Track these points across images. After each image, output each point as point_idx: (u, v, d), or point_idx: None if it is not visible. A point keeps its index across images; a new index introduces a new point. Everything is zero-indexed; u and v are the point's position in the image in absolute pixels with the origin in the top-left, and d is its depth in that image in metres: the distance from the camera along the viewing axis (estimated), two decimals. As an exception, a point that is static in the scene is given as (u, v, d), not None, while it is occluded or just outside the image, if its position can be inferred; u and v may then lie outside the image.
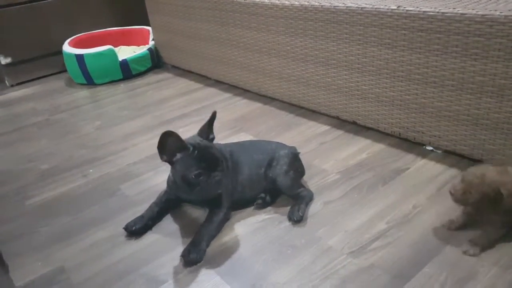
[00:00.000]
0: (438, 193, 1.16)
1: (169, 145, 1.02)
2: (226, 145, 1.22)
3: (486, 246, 0.96)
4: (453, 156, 1.31)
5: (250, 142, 1.28)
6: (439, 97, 1.24)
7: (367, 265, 0.95)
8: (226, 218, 1.13)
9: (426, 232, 1.03)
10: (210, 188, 1.03)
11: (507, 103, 1.11)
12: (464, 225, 1.02)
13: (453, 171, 1.25)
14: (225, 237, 1.09)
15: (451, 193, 0.95)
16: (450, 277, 0.90)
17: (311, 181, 1.27)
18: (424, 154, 1.35)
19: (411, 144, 1.40)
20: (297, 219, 1.10)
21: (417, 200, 1.14)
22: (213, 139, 1.11)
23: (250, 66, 1.90)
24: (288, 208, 1.15)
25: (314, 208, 1.16)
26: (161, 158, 1.04)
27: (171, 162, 1.05)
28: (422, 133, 1.34)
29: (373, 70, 1.39)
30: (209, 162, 1.03)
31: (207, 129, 1.10)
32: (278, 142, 1.28)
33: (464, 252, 0.96)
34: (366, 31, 1.36)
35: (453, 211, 1.07)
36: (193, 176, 1.01)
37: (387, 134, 1.47)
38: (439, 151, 1.34)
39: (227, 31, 1.93)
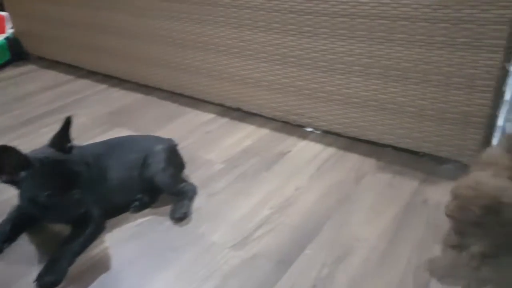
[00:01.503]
0: (317, 172, 1.18)
1: (6, 162, 0.84)
2: (90, 147, 1.08)
3: None
4: (330, 136, 1.35)
5: (119, 140, 1.15)
6: (314, 79, 1.26)
7: (250, 256, 0.92)
8: (98, 231, 1.00)
9: (307, 213, 1.03)
10: (67, 210, 0.89)
11: (372, 81, 1.16)
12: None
13: (331, 150, 1.28)
14: (95, 250, 0.96)
15: (447, 215, 0.80)
16: (329, 256, 0.90)
17: (195, 174, 1.20)
18: (304, 136, 1.37)
19: (293, 127, 1.41)
20: (179, 217, 1.02)
21: (299, 182, 1.15)
22: (71, 148, 0.94)
23: (126, 53, 1.74)
24: (170, 206, 1.06)
25: (198, 202, 1.10)
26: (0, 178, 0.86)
27: (13, 182, 0.87)
28: (302, 115, 1.35)
29: (251, 54, 1.36)
30: (63, 179, 0.87)
31: (61, 138, 0.92)
32: (152, 136, 1.18)
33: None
34: (240, 14, 1.31)
35: (332, 188, 1.10)
36: (44, 198, 0.85)
37: (270, 119, 1.46)
38: (318, 132, 1.38)
39: (98, 16, 1.74)
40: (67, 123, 0.93)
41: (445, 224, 0.96)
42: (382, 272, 0.86)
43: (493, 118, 1.03)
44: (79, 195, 0.88)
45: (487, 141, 1.06)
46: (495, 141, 1.01)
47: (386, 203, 1.04)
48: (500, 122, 1.00)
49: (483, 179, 0.77)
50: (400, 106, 1.14)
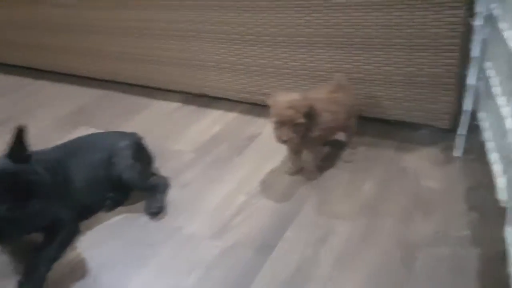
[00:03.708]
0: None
1: None
2: (50, 151, 1.03)
3: (317, 163, 1.06)
4: (300, 112, 1.32)
5: (81, 140, 1.10)
6: (275, 56, 1.22)
7: (230, 245, 0.90)
8: (72, 235, 0.96)
9: (284, 195, 1.01)
10: (30, 222, 0.85)
11: (336, 52, 1.12)
12: (300, 168, 1.08)
13: (302, 127, 1.26)
14: (71, 254, 0.92)
15: (284, 141, 0.94)
16: (311, 236, 0.89)
17: (165, 166, 1.17)
18: (274, 115, 1.33)
19: (261, 108, 1.37)
20: (155, 212, 1.00)
21: (273, 164, 1.12)
22: (28, 156, 0.89)
23: (79, 49, 1.65)
24: (144, 202, 1.03)
25: (172, 194, 1.06)
26: None
27: None
28: (268, 94, 1.30)
29: (209, 36, 1.30)
30: (20, 191, 0.83)
31: (16, 149, 0.87)
32: (115, 132, 1.13)
33: (309, 179, 1.04)
34: (194, -6, 1.26)
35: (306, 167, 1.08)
36: (3, 213, 0.81)
37: (237, 102, 1.42)
38: (288, 110, 1.35)
39: (37, 12, 1.65)
40: (20, 132, 0.87)
41: (426, 191, 0.96)
42: (367, 247, 0.85)
43: (462, 77, 1.02)
44: (40, 204, 0.84)
45: (459, 102, 1.06)
46: (468, 100, 1.00)
47: (364, 176, 1.03)
48: (471, 81, 0.98)
49: (290, 99, 0.92)
50: (366, 74, 1.12)
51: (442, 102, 1.07)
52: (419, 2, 0.97)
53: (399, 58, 1.05)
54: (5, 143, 0.83)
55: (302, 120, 0.91)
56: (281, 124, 0.92)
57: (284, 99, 0.92)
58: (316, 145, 1.03)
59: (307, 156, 1.06)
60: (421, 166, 1.04)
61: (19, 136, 0.87)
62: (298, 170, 1.07)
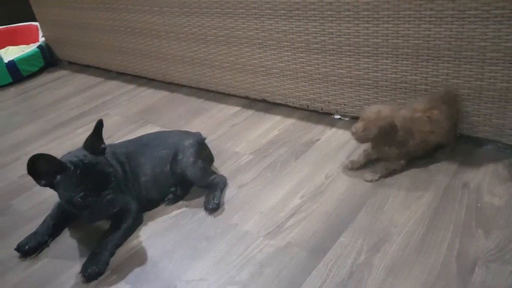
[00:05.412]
0: (348, 160, 1.15)
1: (42, 167, 0.88)
2: (122, 145, 1.11)
3: (384, 174, 1.07)
4: (360, 122, 1.32)
5: (149, 137, 1.17)
6: (339, 64, 1.23)
7: (284, 245, 0.91)
8: (136, 224, 1.03)
9: (339, 201, 1.02)
10: (102, 210, 0.92)
11: (402, 62, 1.12)
12: (363, 165, 1.11)
13: (361, 136, 1.25)
14: (133, 241, 0.99)
15: (352, 133, 1.02)
16: (365, 243, 0.89)
17: (224, 166, 1.21)
18: (332, 123, 1.34)
19: (320, 115, 1.39)
20: (213, 208, 1.04)
21: (329, 170, 1.13)
22: (104, 149, 0.98)
23: (151, 52, 1.77)
24: (203, 198, 1.08)
25: (228, 193, 1.10)
26: (39, 183, 0.91)
27: (52, 186, 0.92)
28: (328, 102, 1.33)
29: (273, 44, 1.35)
30: (96, 180, 0.91)
31: (94, 141, 0.96)
32: (181, 131, 1.19)
33: (365, 179, 1.06)
34: (261, 4, 1.30)
35: (362, 174, 1.08)
36: (79, 199, 0.89)
37: (296, 108, 1.45)
38: (347, 119, 1.35)
39: (120, 18, 1.78)
40: (99, 126, 0.95)
41: (489, 207, 0.92)
42: (422, 258, 0.83)
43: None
44: (112, 196, 0.91)
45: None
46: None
47: (423, 187, 1.01)
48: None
49: (383, 108, 1.00)
50: (433, 86, 1.10)
51: (510, 118, 1.02)
52: (493, 15, 0.94)
53: (469, 72, 1.03)
54: (79, 136, 0.91)
55: (372, 134, 1.00)
56: (360, 120, 1.02)
57: (377, 108, 1.01)
58: (395, 159, 1.06)
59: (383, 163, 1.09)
60: (485, 182, 1.00)
61: (98, 129, 0.96)
62: (360, 166, 1.11)
